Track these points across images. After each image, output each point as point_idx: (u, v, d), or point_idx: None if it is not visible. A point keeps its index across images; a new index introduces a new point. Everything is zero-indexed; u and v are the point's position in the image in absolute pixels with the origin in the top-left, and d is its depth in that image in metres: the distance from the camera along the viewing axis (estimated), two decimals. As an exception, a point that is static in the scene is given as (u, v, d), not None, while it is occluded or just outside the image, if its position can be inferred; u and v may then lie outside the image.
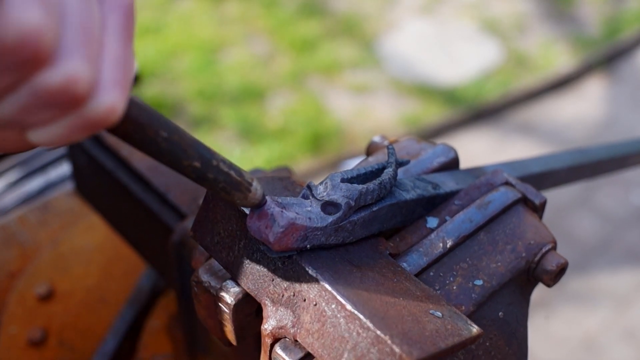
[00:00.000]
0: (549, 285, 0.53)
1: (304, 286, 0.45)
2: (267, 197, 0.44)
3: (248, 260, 0.47)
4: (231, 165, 0.41)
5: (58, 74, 0.31)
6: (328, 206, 0.46)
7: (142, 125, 0.36)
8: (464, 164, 0.61)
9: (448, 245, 0.51)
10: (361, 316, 0.41)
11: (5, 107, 0.32)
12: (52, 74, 0.31)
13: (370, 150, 0.61)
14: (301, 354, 0.45)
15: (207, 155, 0.39)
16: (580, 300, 2.34)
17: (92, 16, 0.33)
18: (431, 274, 0.50)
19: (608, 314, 2.30)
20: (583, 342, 2.22)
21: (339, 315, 0.42)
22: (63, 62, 0.31)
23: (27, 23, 0.29)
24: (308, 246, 0.45)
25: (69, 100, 0.32)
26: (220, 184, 0.40)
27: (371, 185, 0.48)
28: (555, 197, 2.38)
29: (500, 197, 0.54)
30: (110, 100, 0.33)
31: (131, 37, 0.35)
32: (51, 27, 0.30)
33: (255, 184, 0.42)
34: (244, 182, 0.41)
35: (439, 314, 0.44)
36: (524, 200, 0.55)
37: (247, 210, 0.46)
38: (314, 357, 0.45)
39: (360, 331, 0.41)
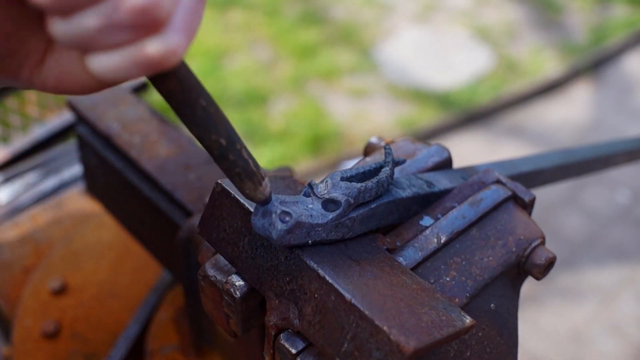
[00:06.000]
0: (538, 278, 0.54)
1: (306, 279, 0.45)
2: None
3: (252, 256, 0.48)
4: (251, 155, 0.41)
5: None
6: (329, 203, 0.47)
7: (187, 87, 0.36)
8: (457, 164, 0.62)
9: (442, 241, 0.51)
10: (360, 308, 0.42)
11: (85, 21, 0.32)
12: None
13: (368, 150, 0.62)
14: (303, 345, 0.46)
15: (234, 137, 0.39)
16: (567, 294, 2.37)
17: None
18: (427, 267, 0.51)
19: (594, 307, 2.33)
20: (570, 334, 2.26)
21: (339, 307, 0.43)
22: None
23: None
24: (310, 242, 0.45)
25: (145, 24, 0.32)
26: (237, 169, 0.40)
27: (369, 183, 0.48)
28: (544, 195, 2.41)
29: (492, 194, 0.55)
30: (176, 42, 0.33)
31: None
32: None
33: (266, 180, 0.43)
34: (258, 174, 0.42)
35: (434, 305, 0.44)
36: (514, 198, 0.56)
37: (251, 208, 0.47)
38: (315, 347, 0.46)
39: (359, 322, 0.42)
